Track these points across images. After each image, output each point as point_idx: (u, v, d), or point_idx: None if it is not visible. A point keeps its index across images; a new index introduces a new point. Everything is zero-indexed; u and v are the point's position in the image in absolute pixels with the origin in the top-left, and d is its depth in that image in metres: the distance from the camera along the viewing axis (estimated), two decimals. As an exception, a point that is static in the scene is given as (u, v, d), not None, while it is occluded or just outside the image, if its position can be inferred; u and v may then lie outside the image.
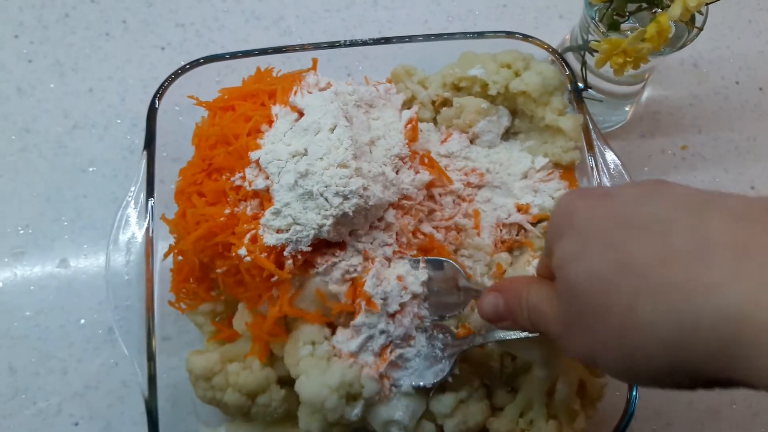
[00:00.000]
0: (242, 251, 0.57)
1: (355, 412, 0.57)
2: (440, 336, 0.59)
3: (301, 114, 0.61)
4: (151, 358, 0.61)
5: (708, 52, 0.90)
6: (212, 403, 0.60)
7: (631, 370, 0.37)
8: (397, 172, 0.62)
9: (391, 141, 0.62)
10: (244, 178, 0.59)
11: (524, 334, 0.54)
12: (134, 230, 0.67)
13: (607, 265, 0.36)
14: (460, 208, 0.66)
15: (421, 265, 0.60)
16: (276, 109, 0.62)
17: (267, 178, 0.58)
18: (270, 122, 0.62)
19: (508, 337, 0.56)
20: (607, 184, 0.68)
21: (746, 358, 0.30)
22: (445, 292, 0.60)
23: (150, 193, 0.66)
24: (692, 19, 0.64)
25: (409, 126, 0.64)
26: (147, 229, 0.65)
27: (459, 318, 0.61)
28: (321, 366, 0.57)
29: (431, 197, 0.66)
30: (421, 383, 0.58)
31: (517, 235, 0.67)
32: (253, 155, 0.59)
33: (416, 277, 0.59)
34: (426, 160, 0.65)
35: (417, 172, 0.63)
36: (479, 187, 0.68)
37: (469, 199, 0.67)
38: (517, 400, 0.60)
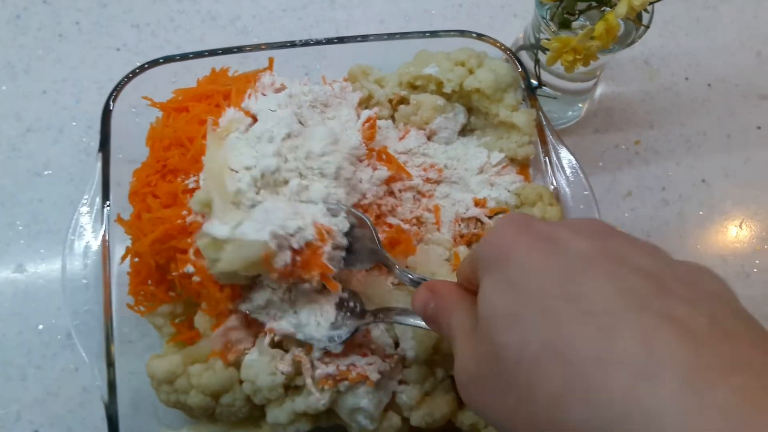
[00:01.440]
0: (189, 268, 0.57)
1: (323, 401, 0.57)
2: (351, 304, 0.58)
3: (254, 119, 0.61)
4: (110, 363, 0.61)
5: (658, 50, 0.93)
6: (176, 407, 0.59)
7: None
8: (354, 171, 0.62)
9: (348, 141, 0.62)
10: (197, 182, 0.59)
11: (424, 325, 0.52)
12: (90, 234, 0.66)
13: (541, 346, 0.33)
14: (420, 203, 0.67)
15: (342, 214, 0.58)
16: (230, 112, 0.62)
17: None
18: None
19: (407, 323, 0.55)
20: (561, 180, 0.69)
21: None
22: (360, 250, 0.58)
23: (105, 195, 0.66)
24: (639, 17, 0.66)
25: (367, 125, 0.65)
26: (103, 233, 0.65)
27: None
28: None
29: (391, 193, 0.66)
30: (311, 340, 0.57)
31: (474, 228, 0.68)
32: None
33: (337, 225, 0.57)
34: (384, 156, 0.65)
35: (375, 169, 0.64)
36: (438, 182, 0.69)
37: (428, 195, 0.68)
38: None
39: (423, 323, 0.50)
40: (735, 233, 0.84)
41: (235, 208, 0.56)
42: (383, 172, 0.64)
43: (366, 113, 0.66)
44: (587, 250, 0.35)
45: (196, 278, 0.57)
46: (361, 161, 0.63)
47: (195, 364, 0.58)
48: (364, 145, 0.63)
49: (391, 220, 0.64)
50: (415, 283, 0.54)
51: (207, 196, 0.55)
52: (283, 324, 0.58)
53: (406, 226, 0.64)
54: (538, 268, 0.35)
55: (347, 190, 0.59)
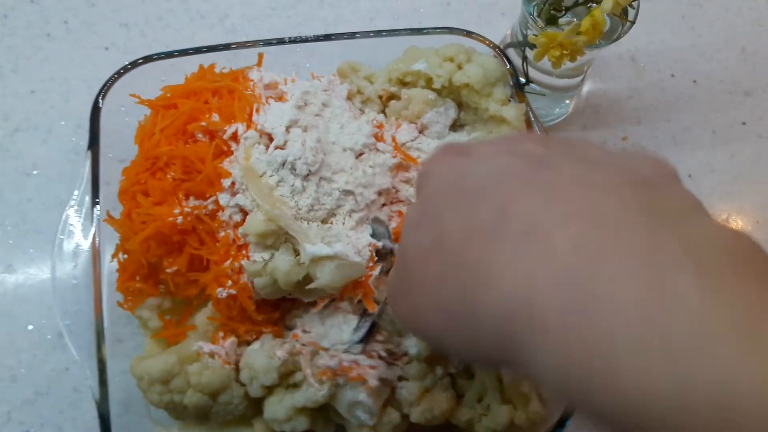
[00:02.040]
0: (222, 292, 0.59)
1: (322, 392, 0.58)
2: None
3: (270, 137, 0.62)
4: (101, 362, 0.61)
5: (644, 47, 0.93)
6: (168, 407, 0.59)
7: (435, 342, 0.39)
8: (359, 156, 0.64)
9: (354, 135, 0.65)
10: (217, 203, 0.60)
11: None
12: (80, 233, 0.66)
13: (430, 238, 0.35)
14: None
15: (383, 232, 0.63)
16: (240, 129, 0.62)
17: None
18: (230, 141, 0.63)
19: None
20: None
21: (518, 353, 0.29)
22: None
23: (95, 194, 0.65)
24: (625, 12, 0.67)
25: (374, 122, 0.68)
26: (93, 232, 0.65)
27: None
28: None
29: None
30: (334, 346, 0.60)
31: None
32: (227, 182, 0.60)
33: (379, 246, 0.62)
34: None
35: (378, 151, 0.67)
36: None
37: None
38: (473, 386, 0.62)
39: None
40: (721, 227, 0.85)
41: (307, 227, 0.59)
42: (389, 158, 0.66)
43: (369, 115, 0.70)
44: (487, 150, 0.37)
45: (223, 294, 0.59)
46: (370, 150, 0.65)
47: (194, 363, 0.58)
48: (372, 136, 0.65)
49: (401, 208, 0.65)
50: None
51: (268, 227, 0.58)
52: (311, 335, 0.60)
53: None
54: (445, 178, 0.37)
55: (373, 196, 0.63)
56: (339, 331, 0.60)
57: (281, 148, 0.61)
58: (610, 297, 0.26)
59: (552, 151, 0.35)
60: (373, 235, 0.62)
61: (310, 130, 0.62)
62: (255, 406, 0.62)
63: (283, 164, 0.60)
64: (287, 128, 0.62)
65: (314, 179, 0.60)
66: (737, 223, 0.85)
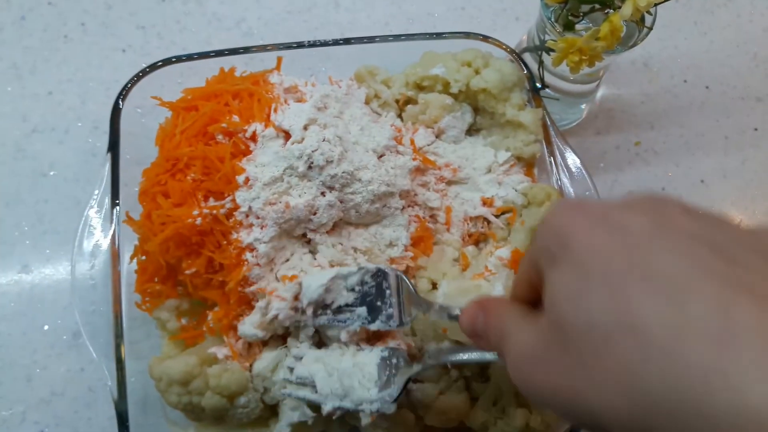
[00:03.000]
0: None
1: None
2: (394, 361, 0.58)
3: (287, 135, 0.62)
4: (120, 361, 0.61)
5: (657, 52, 0.94)
6: (186, 409, 0.59)
7: (591, 421, 0.35)
8: (380, 157, 0.65)
9: (376, 136, 0.66)
10: (234, 201, 0.60)
11: (476, 357, 0.55)
12: (99, 234, 0.66)
13: (611, 320, 0.33)
14: (442, 201, 0.68)
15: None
16: (259, 129, 0.63)
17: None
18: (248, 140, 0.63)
19: (459, 360, 0.56)
20: (566, 180, 0.70)
21: None
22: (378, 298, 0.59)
23: (115, 195, 0.66)
24: (642, 18, 0.67)
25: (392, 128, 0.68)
26: (113, 233, 0.65)
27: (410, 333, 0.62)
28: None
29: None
30: (361, 406, 0.56)
31: (481, 227, 0.69)
32: (241, 178, 0.61)
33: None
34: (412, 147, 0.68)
35: (398, 153, 0.67)
36: (450, 183, 0.70)
37: (442, 194, 0.69)
38: (489, 390, 0.62)
39: (476, 356, 0.53)
40: (734, 233, 0.85)
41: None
42: (409, 160, 0.66)
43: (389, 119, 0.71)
44: (647, 225, 0.34)
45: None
46: (390, 151, 0.66)
47: (213, 365, 0.58)
48: (393, 139, 0.66)
49: (419, 212, 0.65)
50: (454, 318, 0.54)
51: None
52: (331, 399, 0.56)
53: (430, 224, 0.66)
54: (601, 246, 0.34)
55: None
56: (360, 386, 0.56)
57: (298, 143, 0.61)
58: None
59: (721, 235, 0.34)
60: (387, 286, 0.59)
61: (330, 128, 0.63)
62: (271, 408, 0.62)
63: (300, 157, 0.60)
64: (305, 126, 0.62)
65: (336, 170, 0.60)
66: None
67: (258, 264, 0.59)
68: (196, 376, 0.58)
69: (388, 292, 0.58)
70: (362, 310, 0.58)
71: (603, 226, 0.35)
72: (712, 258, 0.32)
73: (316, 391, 0.56)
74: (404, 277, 0.59)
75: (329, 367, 0.57)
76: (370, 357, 0.57)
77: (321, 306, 0.58)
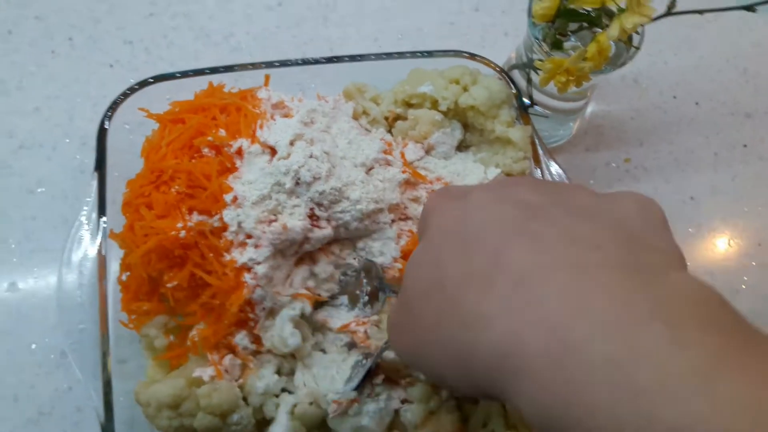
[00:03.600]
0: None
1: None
2: (364, 361, 0.61)
3: (273, 151, 0.62)
4: (107, 383, 0.60)
5: (647, 68, 0.94)
6: None
7: (435, 376, 0.41)
8: (369, 170, 0.65)
9: (365, 150, 0.66)
10: (222, 219, 0.60)
11: None
12: (87, 251, 0.66)
13: (430, 279, 0.38)
14: None
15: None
16: (245, 145, 0.62)
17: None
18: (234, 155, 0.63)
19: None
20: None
21: (508, 391, 0.33)
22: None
23: (102, 213, 0.65)
24: (630, 38, 0.67)
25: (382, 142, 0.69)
26: (99, 249, 0.65)
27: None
28: None
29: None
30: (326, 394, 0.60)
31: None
32: (228, 197, 0.60)
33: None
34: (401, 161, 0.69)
35: (389, 165, 0.67)
36: (441, 197, 0.70)
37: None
38: (478, 411, 0.62)
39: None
40: (724, 250, 0.85)
41: None
42: (398, 173, 0.66)
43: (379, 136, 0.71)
44: (484, 198, 0.39)
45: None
46: (379, 164, 0.66)
47: (202, 386, 0.58)
48: (382, 152, 0.66)
49: (411, 226, 0.66)
50: None
51: None
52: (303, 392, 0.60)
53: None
54: (446, 221, 0.40)
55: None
56: (331, 379, 0.60)
57: (284, 159, 0.61)
58: (584, 350, 0.30)
59: (545, 199, 0.38)
60: (365, 276, 0.64)
61: (317, 143, 0.63)
62: (261, 425, 0.62)
63: (286, 173, 0.60)
64: (291, 142, 0.62)
65: (324, 187, 0.60)
66: (739, 245, 0.85)
67: (258, 285, 0.59)
68: (185, 398, 0.57)
69: (364, 281, 0.64)
70: (344, 299, 0.64)
71: (455, 203, 0.41)
72: (516, 215, 0.36)
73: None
74: (376, 265, 0.63)
75: (313, 370, 0.61)
76: (347, 362, 0.61)
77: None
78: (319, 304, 0.64)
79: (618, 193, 0.40)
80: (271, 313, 0.61)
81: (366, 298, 0.63)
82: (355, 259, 0.65)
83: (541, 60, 0.66)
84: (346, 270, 0.64)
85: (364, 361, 0.61)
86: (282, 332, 0.60)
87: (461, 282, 0.35)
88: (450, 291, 0.36)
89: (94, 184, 0.66)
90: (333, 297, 0.65)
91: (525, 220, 0.36)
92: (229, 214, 0.60)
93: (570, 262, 0.33)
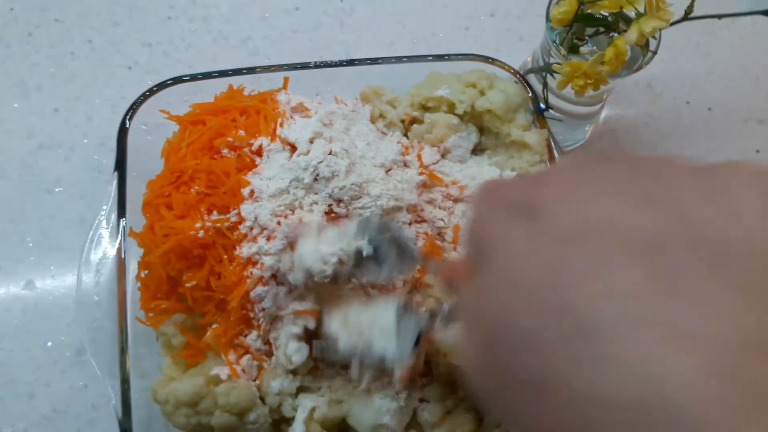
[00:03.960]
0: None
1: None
2: (408, 311, 0.55)
3: (293, 148, 0.62)
4: (125, 380, 0.61)
5: (661, 73, 0.94)
6: (195, 430, 0.59)
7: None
8: (387, 171, 0.65)
9: (383, 151, 0.66)
10: (239, 215, 0.60)
11: None
12: (106, 250, 0.66)
13: (524, 372, 0.29)
14: (450, 219, 0.68)
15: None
16: (265, 143, 0.63)
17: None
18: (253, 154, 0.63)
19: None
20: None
21: None
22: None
23: (122, 213, 0.66)
24: (646, 42, 0.68)
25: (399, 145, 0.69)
26: (119, 249, 0.65)
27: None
28: None
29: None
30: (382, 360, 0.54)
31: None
32: (246, 191, 0.60)
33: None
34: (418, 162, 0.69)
35: (406, 166, 0.68)
36: (456, 201, 0.70)
37: (450, 212, 0.69)
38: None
39: None
40: (737, 254, 0.85)
41: None
42: (416, 174, 0.66)
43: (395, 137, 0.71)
44: (572, 224, 0.29)
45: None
46: (398, 166, 0.66)
47: (220, 384, 0.58)
48: (400, 154, 0.66)
49: (427, 228, 0.66)
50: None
51: None
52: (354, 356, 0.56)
53: (438, 242, 0.66)
54: (520, 266, 0.30)
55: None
56: (380, 340, 0.53)
57: (305, 155, 0.62)
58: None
59: (662, 225, 0.27)
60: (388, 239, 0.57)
61: (336, 141, 0.63)
62: (278, 424, 0.62)
63: (305, 169, 0.60)
64: (311, 140, 0.62)
65: (345, 182, 0.60)
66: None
67: (262, 278, 0.59)
68: (204, 396, 0.58)
69: (390, 243, 0.57)
70: (371, 262, 0.57)
71: (523, 227, 0.31)
72: (635, 275, 0.26)
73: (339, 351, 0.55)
74: (400, 231, 0.58)
75: (351, 320, 0.56)
76: (387, 308, 0.55)
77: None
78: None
79: (729, 171, 0.29)
80: (274, 321, 0.61)
81: (393, 260, 0.57)
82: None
83: (559, 64, 0.67)
84: (366, 228, 0.57)
85: (408, 312, 0.55)
86: (287, 350, 0.60)
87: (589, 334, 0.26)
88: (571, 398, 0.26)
89: (114, 184, 0.67)
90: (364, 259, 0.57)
91: (654, 293, 0.26)
92: (246, 208, 0.60)
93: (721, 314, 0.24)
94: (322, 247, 0.56)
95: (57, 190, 0.81)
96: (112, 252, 0.66)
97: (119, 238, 0.65)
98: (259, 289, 0.59)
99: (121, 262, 0.65)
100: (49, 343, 0.74)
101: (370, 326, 0.55)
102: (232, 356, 0.61)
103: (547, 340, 0.27)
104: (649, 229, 0.27)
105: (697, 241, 0.27)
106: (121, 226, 0.65)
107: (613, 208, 0.29)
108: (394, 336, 0.53)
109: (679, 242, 0.27)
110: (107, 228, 0.66)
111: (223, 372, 0.60)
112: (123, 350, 0.62)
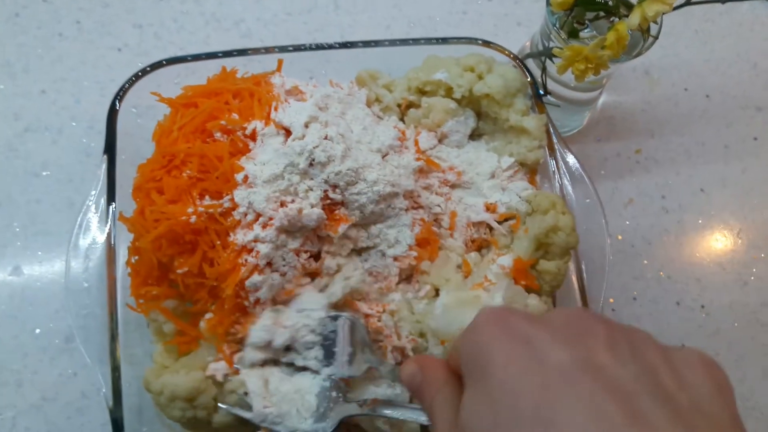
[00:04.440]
0: None
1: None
2: (333, 394, 0.57)
3: (288, 132, 0.61)
4: (116, 367, 0.60)
5: (658, 60, 0.94)
6: (189, 424, 0.58)
7: None
8: (383, 156, 0.64)
9: (380, 136, 0.65)
10: (232, 200, 0.59)
11: (410, 415, 0.52)
12: (95, 235, 0.65)
13: None
14: (446, 205, 0.67)
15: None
16: (259, 127, 0.61)
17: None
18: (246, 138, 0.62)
19: (391, 416, 0.53)
20: (568, 185, 0.70)
21: None
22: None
23: (111, 197, 0.64)
24: (648, 27, 0.67)
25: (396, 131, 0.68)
26: (108, 234, 0.64)
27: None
28: None
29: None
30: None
31: (484, 233, 0.68)
32: (240, 176, 0.59)
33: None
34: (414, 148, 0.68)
35: (404, 149, 0.67)
36: (453, 186, 0.69)
37: (446, 197, 0.68)
38: None
39: (411, 416, 0.51)
40: (733, 241, 0.85)
41: None
42: (413, 159, 0.65)
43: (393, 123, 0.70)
44: (565, 363, 0.35)
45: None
46: (395, 151, 0.65)
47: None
48: (397, 139, 0.65)
49: (423, 215, 0.65)
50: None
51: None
52: (266, 421, 0.57)
53: (435, 228, 0.65)
54: (514, 385, 0.35)
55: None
56: (297, 415, 0.56)
57: (300, 139, 0.60)
58: None
59: (627, 372, 0.35)
60: (350, 334, 0.59)
61: (331, 126, 0.62)
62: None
63: (300, 154, 0.59)
64: (306, 124, 0.61)
65: (341, 167, 0.59)
66: (748, 237, 0.85)
67: (257, 266, 0.58)
68: (203, 391, 0.57)
69: (345, 339, 0.58)
70: (318, 352, 0.58)
71: (522, 355, 0.36)
72: (618, 414, 0.32)
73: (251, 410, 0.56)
74: (363, 327, 0.59)
75: (271, 387, 0.57)
76: (312, 384, 0.57)
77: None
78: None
79: (686, 355, 0.38)
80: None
81: (346, 357, 0.58)
82: (333, 316, 0.61)
83: (559, 48, 0.65)
84: (324, 322, 0.59)
85: (333, 394, 0.57)
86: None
87: None
88: None
89: (103, 167, 0.65)
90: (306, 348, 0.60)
91: (631, 426, 0.32)
92: (239, 194, 0.59)
93: None
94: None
95: (44, 173, 0.79)
96: (101, 237, 0.64)
97: (109, 222, 0.64)
98: (255, 277, 0.57)
99: (110, 248, 0.63)
100: (38, 330, 0.72)
101: (290, 399, 0.56)
102: (226, 350, 0.60)
103: None
104: (619, 374, 0.34)
105: (652, 392, 0.34)
106: (110, 210, 0.64)
107: (597, 353, 0.36)
108: (311, 416, 0.55)
109: (639, 389, 0.34)
110: (96, 213, 0.65)
111: (219, 371, 0.59)
112: (113, 337, 0.61)
